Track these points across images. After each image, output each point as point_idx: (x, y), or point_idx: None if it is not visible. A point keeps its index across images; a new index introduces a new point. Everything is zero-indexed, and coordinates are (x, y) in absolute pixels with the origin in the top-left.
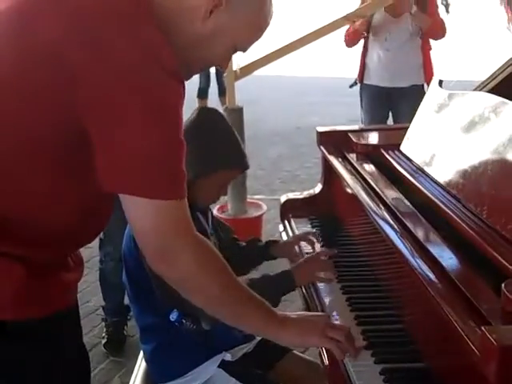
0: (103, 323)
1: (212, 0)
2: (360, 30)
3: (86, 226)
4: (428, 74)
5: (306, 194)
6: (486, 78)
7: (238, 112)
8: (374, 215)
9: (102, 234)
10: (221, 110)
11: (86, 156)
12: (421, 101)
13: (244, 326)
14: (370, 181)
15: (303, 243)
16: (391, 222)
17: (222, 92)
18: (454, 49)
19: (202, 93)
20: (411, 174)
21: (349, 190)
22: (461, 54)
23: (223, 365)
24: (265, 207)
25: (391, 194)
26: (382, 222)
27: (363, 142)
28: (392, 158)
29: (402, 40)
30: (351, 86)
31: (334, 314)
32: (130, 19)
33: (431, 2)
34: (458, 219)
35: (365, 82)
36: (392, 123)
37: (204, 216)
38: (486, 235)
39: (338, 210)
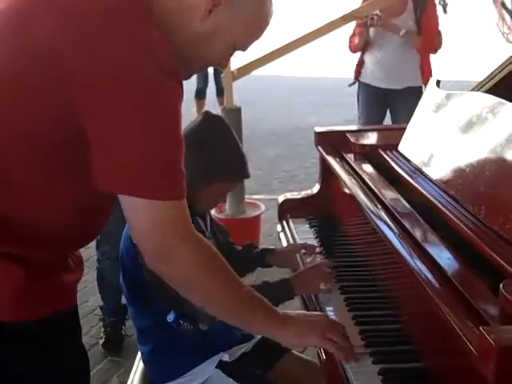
0: (101, 323)
1: None
2: (360, 44)
3: (85, 225)
4: (426, 76)
5: (304, 194)
6: (484, 78)
7: (236, 112)
8: (371, 215)
9: None
10: (218, 110)
11: (84, 155)
12: (417, 103)
13: (244, 325)
14: (367, 181)
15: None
16: (389, 222)
17: (219, 92)
18: (451, 49)
19: (200, 93)
20: (409, 175)
21: (347, 190)
22: (459, 54)
23: (221, 365)
24: (263, 207)
25: (389, 194)
26: (379, 222)
27: (361, 142)
28: (390, 158)
29: (397, 42)
30: (350, 85)
31: (331, 309)
32: (128, 18)
33: (431, 7)
34: (455, 219)
35: (362, 80)
36: (390, 123)
37: (203, 219)
38: (484, 235)
39: (335, 210)
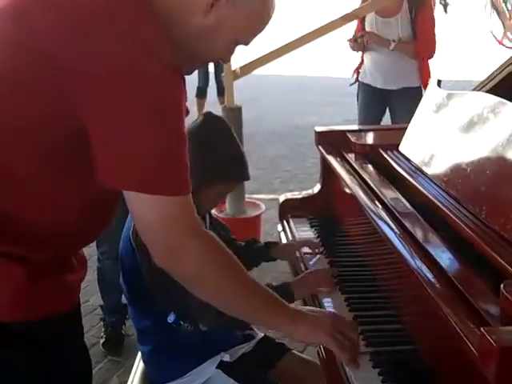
0: (101, 323)
1: None
2: (360, 48)
3: (87, 225)
4: (424, 76)
5: (304, 193)
6: (485, 78)
7: (237, 111)
8: (372, 215)
9: None
10: (219, 109)
11: (85, 153)
12: (415, 103)
13: (253, 320)
14: (368, 181)
15: (305, 249)
16: (390, 222)
17: (220, 91)
18: (452, 49)
19: (201, 92)
20: (410, 174)
21: (347, 190)
22: (459, 54)
23: (221, 366)
24: (263, 207)
25: (390, 194)
26: (380, 222)
27: (362, 141)
28: (390, 157)
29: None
30: (351, 85)
31: (331, 309)
32: (127, 16)
33: (427, 13)
34: (456, 219)
35: (361, 80)
36: (390, 122)
37: (202, 219)
38: (485, 235)
39: (336, 209)
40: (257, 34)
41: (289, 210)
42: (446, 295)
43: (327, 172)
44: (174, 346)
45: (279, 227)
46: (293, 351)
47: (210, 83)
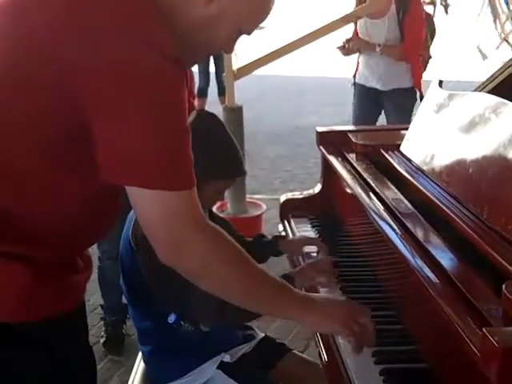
0: (102, 322)
1: None
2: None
3: (89, 224)
4: (416, 77)
5: (305, 193)
6: (486, 79)
7: (238, 111)
8: (373, 215)
9: None
10: (220, 109)
11: (87, 149)
12: (407, 103)
13: (264, 311)
14: (369, 181)
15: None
16: (391, 222)
17: (221, 91)
18: (453, 49)
19: (202, 92)
20: (411, 175)
21: (348, 190)
22: (459, 53)
23: (222, 366)
24: (264, 207)
25: (391, 194)
26: (381, 223)
27: (363, 142)
28: (392, 158)
29: (380, 42)
30: (352, 85)
31: None
32: (127, 9)
33: (415, 8)
34: (458, 220)
35: (356, 80)
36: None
37: None
38: (487, 236)
39: (337, 210)
40: (259, 23)
41: (290, 210)
42: (448, 296)
43: (328, 172)
44: (174, 347)
45: (280, 227)
46: (293, 351)
47: (210, 83)
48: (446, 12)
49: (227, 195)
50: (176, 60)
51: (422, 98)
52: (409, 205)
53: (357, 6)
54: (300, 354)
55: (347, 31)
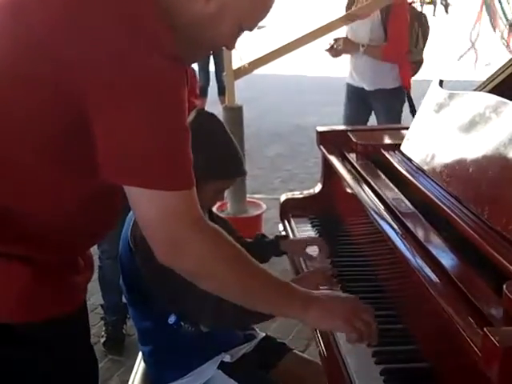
0: (102, 322)
1: None
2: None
3: (89, 223)
4: (404, 77)
5: (305, 193)
6: (486, 79)
7: (238, 111)
8: (374, 215)
9: None
10: (220, 108)
11: (87, 147)
12: (393, 104)
13: (264, 310)
14: (370, 181)
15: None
16: (391, 222)
17: (221, 91)
18: (452, 49)
19: (202, 91)
20: (411, 174)
21: (349, 190)
22: (460, 54)
23: (222, 366)
24: (264, 206)
25: (391, 193)
26: (382, 222)
27: (363, 141)
28: (392, 157)
29: (365, 42)
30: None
31: None
32: (127, 6)
33: (399, 14)
34: (458, 220)
35: (346, 80)
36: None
37: None
38: (487, 236)
39: (337, 209)
40: (261, 19)
41: (290, 210)
42: (448, 295)
43: (328, 172)
44: (174, 347)
45: (280, 227)
46: (294, 351)
47: (210, 83)
48: (446, 11)
49: (227, 195)
50: (176, 57)
51: (409, 98)
52: (409, 204)
53: (348, 6)
54: (301, 353)
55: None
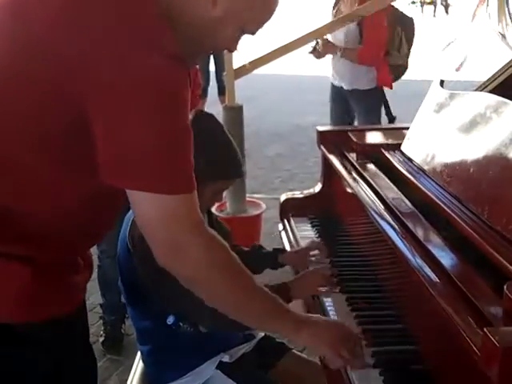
0: (101, 321)
1: None
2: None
3: (89, 223)
4: (381, 78)
5: (305, 193)
6: (487, 79)
7: (238, 110)
8: (374, 215)
9: None
10: (220, 108)
11: (87, 148)
12: (368, 104)
13: (255, 326)
14: (370, 180)
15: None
16: (391, 221)
17: (221, 91)
18: (452, 49)
19: (202, 92)
20: (412, 174)
21: (349, 190)
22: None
23: (221, 366)
24: (264, 206)
25: (391, 193)
26: (382, 222)
27: (363, 141)
28: (392, 157)
29: (342, 44)
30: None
31: (332, 309)
32: (128, 6)
33: (375, 17)
34: (458, 219)
35: (330, 80)
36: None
37: None
38: (487, 236)
39: (337, 209)
40: (264, 23)
41: (290, 210)
42: (448, 295)
43: (328, 171)
44: (173, 347)
45: (280, 226)
46: (293, 351)
47: (210, 83)
48: (447, 12)
49: (227, 195)
50: (177, 57)
51: (385, 100)
52: (409, 204)
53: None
54: (299, 353)
55: None
